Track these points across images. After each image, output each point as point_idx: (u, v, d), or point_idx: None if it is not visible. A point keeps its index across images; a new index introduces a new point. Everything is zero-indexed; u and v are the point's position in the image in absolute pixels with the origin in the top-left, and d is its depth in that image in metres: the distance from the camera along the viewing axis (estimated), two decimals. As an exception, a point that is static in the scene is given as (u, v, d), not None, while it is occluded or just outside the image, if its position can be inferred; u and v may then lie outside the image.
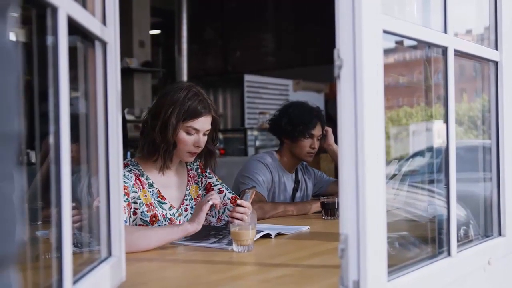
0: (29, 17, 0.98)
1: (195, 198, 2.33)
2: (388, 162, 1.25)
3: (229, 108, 8.61)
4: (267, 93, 8.00)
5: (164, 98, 2.17)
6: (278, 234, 2.15)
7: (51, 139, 0.97)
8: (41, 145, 1.12)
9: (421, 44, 1.58)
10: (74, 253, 1.04)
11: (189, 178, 2.35)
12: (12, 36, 0.59)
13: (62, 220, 0.97)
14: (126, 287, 1.40)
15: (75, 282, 1.05)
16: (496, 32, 1.76)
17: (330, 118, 5.72)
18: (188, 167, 2.38)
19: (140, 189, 2.15)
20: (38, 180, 2.20)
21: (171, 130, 2.13)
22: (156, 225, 2.14)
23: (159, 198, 2.20)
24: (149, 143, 2.18)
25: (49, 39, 0.97)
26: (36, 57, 1.04)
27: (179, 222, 2.22)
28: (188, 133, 2.17)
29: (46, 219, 1.67)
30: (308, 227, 2.33)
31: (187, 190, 2.32)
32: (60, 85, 0.97)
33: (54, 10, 0.96)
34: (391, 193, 1.68)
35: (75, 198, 1.15)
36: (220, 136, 7.53)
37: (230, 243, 1.90)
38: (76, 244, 1.28)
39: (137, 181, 2.15)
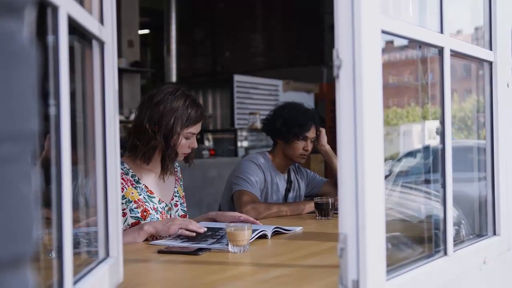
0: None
1: (182, 196, 2.41)
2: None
3: (218, 108, 8.59)
4: (257, 94, 7.99)
5: (161, 105, 2.19)
6: (275, 233, 2.15)
7: (52, 139, 0.96)
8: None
9: (413, 44, 1.58)
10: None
11: (176, 178, 2.42)
12: (29, 35, 0.58)
13: (63, 222, 0.97)
14: (123, 288, 1.39)
15: (75, 282, 1.04)
16: (490, 33, 1.77)
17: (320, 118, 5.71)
18: (174, 168, 2.42)
19: (126, 187, 2.18)
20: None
21: (175, 138, 2.20)
22: (148, 219, 2.18)
23: (147, 193, 2.24)
24: (150, 149, 2.21)
25: (49, 38, 0.97)
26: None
27: (170, 217, 2.29)
28: (187, 138, 2.25)
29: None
30: (301, 227, 2.33)
31: (175, 187, 2.39)
32: (61, 85, 0.96)
33: (55, 9, 0.95)
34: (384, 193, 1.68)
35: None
36: (210, 136, 7.51)
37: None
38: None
39: (121, 180, 2.16)
